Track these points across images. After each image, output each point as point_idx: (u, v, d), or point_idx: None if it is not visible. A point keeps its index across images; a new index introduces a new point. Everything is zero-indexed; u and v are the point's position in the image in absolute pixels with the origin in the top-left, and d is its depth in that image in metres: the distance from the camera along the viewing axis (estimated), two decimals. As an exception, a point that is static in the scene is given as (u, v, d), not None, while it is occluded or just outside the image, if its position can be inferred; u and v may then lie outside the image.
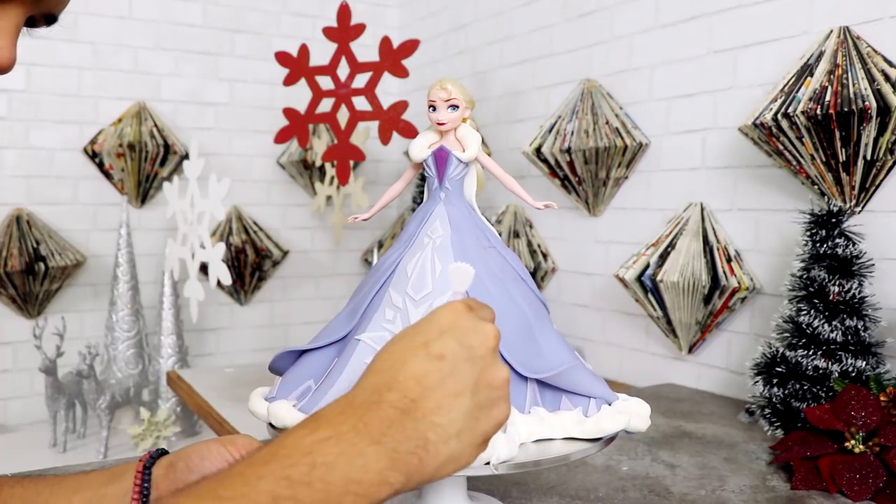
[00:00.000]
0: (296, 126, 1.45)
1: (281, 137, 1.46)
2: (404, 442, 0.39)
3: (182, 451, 0.55)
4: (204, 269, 1.84)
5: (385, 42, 1.36)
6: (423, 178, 0.74)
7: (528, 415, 0.63)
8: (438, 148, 0.70)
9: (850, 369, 0.98)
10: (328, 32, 1.45)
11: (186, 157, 1.87)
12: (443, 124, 0.69)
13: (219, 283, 1.58)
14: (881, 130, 1.04)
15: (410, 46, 1.33)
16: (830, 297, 1.00)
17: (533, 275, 1.74)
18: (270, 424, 0.66)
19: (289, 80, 1.46)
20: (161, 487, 0.53)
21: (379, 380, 0.41)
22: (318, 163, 2.11)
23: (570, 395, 0.65)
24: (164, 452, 0.56)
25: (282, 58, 1.45)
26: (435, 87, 0.69)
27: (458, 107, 0.68)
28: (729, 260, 1.28)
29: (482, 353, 0.43)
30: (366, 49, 2.36)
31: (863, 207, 1.12)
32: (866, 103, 1.02)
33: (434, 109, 0.69)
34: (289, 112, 1.45)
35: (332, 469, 0.36)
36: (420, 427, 0.39)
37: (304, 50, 1.46)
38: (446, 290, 0.64)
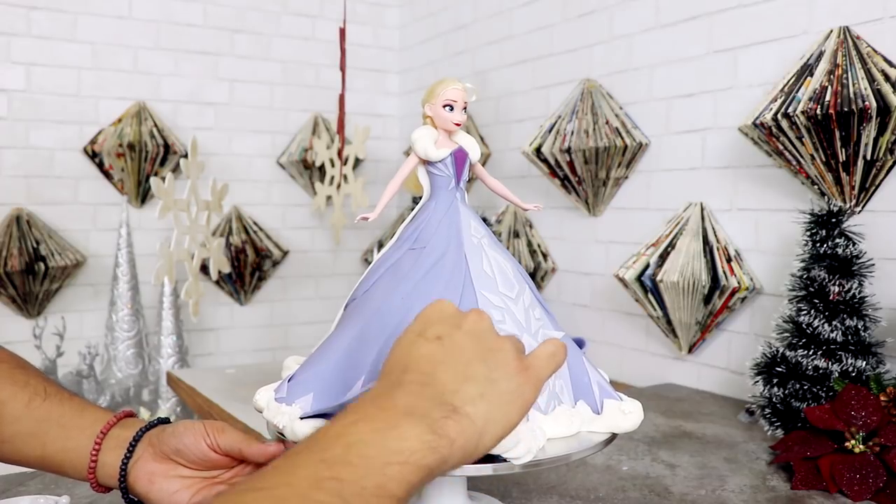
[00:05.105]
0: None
1: (340, 125, 1.84)
2: (434, 409, 0.41)
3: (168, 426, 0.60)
4: (205, 267, 1.84)
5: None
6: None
7: (549, 414, 0.63)
8: (458, 149, 0.69)
9: (850, 369, 0.98)
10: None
11: (185, 156, 1.87)
12: (459, 125, 0.69)
13: (217, 282, 1.59)
14: (881, 130, 1.04)
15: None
16: (830, 297, 1.00)
17: (533, 275, 1.74)
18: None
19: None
20: (137, 451, 0.60)
21: (394, 368, 0.45)
22: (318, 163, 2.11)
23: (581, 392, 0.66)
24: (164, 421, 0.62)
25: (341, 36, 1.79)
26: (455, 88, 0.67)
27: (465, 108, 0.69)
28: (729, 260, 1.28)
29: (478, 329, 0.47)
30: (366, 49, 2.37)
31: (863, 207, 1.12)
32: (866, 103, 1.02)
33: (451, 109, 0.68)
34: (342, 99, 1.83)
35: (368, 444, 0.38)
36: (443, 396, 0.42)
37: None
38: (525, 288, 0.66)
